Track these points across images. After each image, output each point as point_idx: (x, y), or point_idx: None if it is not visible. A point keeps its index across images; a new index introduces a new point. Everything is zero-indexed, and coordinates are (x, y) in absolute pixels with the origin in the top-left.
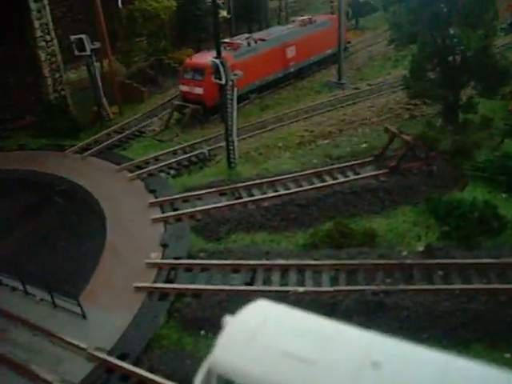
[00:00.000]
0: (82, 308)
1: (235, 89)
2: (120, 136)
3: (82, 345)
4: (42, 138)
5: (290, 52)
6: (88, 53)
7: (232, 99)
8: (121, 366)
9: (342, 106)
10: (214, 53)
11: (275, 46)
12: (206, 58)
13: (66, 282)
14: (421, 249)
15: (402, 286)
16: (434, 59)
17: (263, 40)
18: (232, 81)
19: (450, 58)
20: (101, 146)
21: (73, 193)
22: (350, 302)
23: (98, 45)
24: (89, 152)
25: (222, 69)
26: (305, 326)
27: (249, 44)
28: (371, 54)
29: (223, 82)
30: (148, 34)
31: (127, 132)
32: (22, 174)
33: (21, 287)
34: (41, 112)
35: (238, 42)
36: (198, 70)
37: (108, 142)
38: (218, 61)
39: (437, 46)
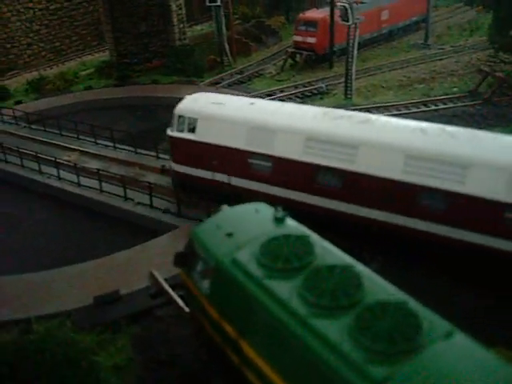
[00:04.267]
0: None
1: (357, 30)
2: (242, 76)
3: None
4: (170, 76)
5: (384, 15)
6: (218, 3)
7: (354, 39)
8: None
9: (432, 61)
10: (322, 10)
11: (373, 8)
12: (318, 13)
13: None
14: None
15: None
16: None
17: (363, 2)
18: (355, 23)
19: None
20: (227, 81)
21: None
22: None
23: None
24: (220, 85)
25: (350, 11)
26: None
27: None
28: (448, 24)
29: (350, 22)
30: (246, 1)
31: (247, 73)
32: (161, 100)
33: None
34: (170, 55)
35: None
36: (312, 22)
37: (233, 79)
38: (347, 4)
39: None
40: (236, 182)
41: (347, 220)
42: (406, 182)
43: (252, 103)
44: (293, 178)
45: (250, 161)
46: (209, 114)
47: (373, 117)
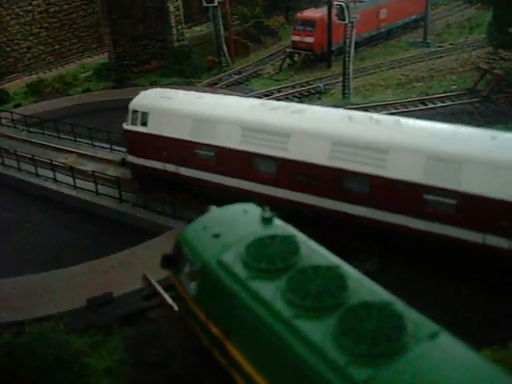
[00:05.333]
0: None
1: (354, 28)
2: (239, 76)
3: None
4: (169, 77)
5: (383, 14)
6: (215, 4)
7: (351, 38)
8: None
9: (431, 59)
10: (321, 9)
11: (371, 7)
12: (316, 13)
13: None
14: None
15: None
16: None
17: (361, 1)
18: (352, 22)
19: None
20: (226, 82)
21: None
22: None
23: None
24: (217, 85)
25: (346, 10)
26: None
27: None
28: (448, 22)
29: (346, 21)
30: (245, 1)
31: (245, 74)
32: None
33: None
34: (168, 57)
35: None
36: (310, 22)
37: (231, 79)
38: (343, 3)
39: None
40: (183, 171)
41: (283, 205)
42: (332, 167)
43: (199, 97)
44: (233, 166)
45: (195, 151)
46: (159, 107)
47: (306, 107)
